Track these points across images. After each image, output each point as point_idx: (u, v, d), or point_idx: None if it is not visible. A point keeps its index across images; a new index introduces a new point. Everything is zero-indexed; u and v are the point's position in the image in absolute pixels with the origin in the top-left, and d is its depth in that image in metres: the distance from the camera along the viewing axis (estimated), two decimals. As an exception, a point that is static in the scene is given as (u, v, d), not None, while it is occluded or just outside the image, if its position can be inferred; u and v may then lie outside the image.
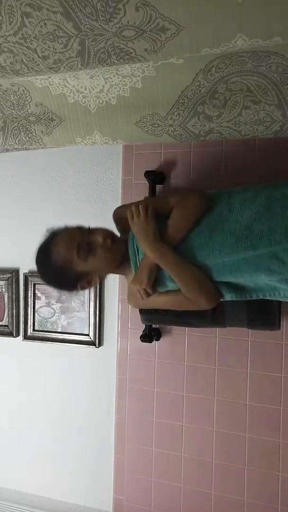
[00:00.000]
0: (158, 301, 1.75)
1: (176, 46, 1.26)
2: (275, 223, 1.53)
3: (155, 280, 1.68)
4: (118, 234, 1.80)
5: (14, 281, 2.79)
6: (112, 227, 1.81)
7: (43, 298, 2.75)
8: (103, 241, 1.64)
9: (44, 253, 1.69)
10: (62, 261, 1.65)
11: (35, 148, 2.14)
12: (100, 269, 1.73)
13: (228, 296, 1.69)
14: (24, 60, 1.38)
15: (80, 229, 1.68)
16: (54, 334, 2.72)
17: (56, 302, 2.71)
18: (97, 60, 1.34)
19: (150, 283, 1.67)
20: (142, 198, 1.77)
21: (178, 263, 1.62)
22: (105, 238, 1.65)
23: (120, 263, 1.75)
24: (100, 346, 2.64)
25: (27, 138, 1.97)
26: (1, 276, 2.82)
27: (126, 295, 1.86)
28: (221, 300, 1.71)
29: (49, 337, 2.73)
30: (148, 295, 1.69)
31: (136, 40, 1.26)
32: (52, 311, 2.73)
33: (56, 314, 2.72)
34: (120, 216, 1.83)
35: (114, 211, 1.90)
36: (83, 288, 1.76)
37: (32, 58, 1.36)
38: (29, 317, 2.78)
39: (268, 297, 1.65)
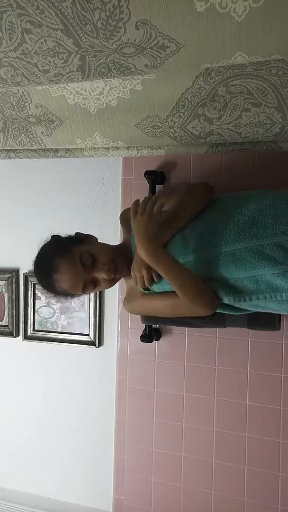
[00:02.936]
0: (157, 303, 1.71)
1: (176, 63, 1.27)
2: (280, 215, 1.51)
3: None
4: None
5: (14, 281, 2.80)
6: (114, 225, 1.81)
7: (43, 298, 2.75)
8: (107, 277, 1.63)
9: (47, 283, 1.67)
10: (65, 293, 1.67)
11: (36, 153, 2.15)
12: (105, 289, 1.79)
13: (226, 299, 1.63)
14: (25, 74, 1.38)
15: (83, 265, 1.61)
16: (54, 334, 2.73)
17: (56, 302, 2.72)
18: (98, 74, 1.35)
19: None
20: (142, 198, 1.75)
21: (174, 267, 1.58)
22: (109, 274, 1.63)
23: None
24: (100, 346, 2.64)
25: (28, 139, 1.97)
26: (1, 276, 2.82)
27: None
28: (219, 304, 1.65)
29: (49, 337, 2.74)
30: (152, 280, 1.65)
31: (136, 57, 1.26)
32: (52, 311, 2.73)
33: (56, 314, 2.72)
34: (127, 217, 1.82)
35: (121, 214, 1.93)
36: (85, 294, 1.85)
37: (32, 72, 1.37)
38: (29, 317, 2.78)
39: (268, 299, 1.59)
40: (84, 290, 1.65)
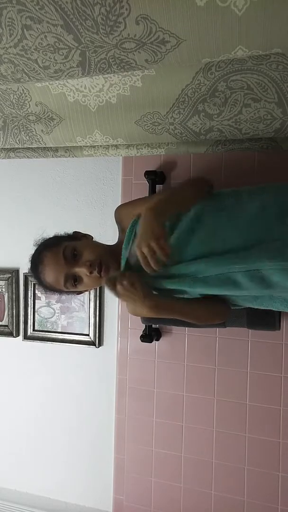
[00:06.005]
0: (174, 304, 1.62)
1: (176, 57, 1.27)
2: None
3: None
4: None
5: (14, 281, 2.79)
6: (114, 225, 1.77)
7: (43, 298, 2.75)
8: (89, 273, 1.57)
9: (35, 274, 1.67)
10: (51, 287, 1.65)
11: (35, 152, 2.14)
12: (92, 287, 1.72)
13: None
14: (25, 70, 1.38)
15: (65, 258, 1.58)
16: (54, 334, 2.72)
17: (56, 302, 2.71)
18: (98, 69, 1.35)
19: (165, 235, 1.47)
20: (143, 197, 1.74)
21: (181, 309, 1.61)
22: (91, 270, 1.57)
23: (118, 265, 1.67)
24: (100, 346, 2.64)
25: (27, 137, 1.97)
26: (1, 276, 2.82)
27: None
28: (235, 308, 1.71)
29: (49, 337, 2.73)
30: (167, 254, 1.45)
31: (136, 52, 1.27)
32: (52, 311, 2.73)
33: (56, 314, 2.72)
34: (121, 216, 1.78)
35: (116, 210, 1.83)
36: (78, 294, 1.80)
37: (33, 68, 1.37)
38: (29, 317, 2.78)
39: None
40: (66, 285, 1.61)
